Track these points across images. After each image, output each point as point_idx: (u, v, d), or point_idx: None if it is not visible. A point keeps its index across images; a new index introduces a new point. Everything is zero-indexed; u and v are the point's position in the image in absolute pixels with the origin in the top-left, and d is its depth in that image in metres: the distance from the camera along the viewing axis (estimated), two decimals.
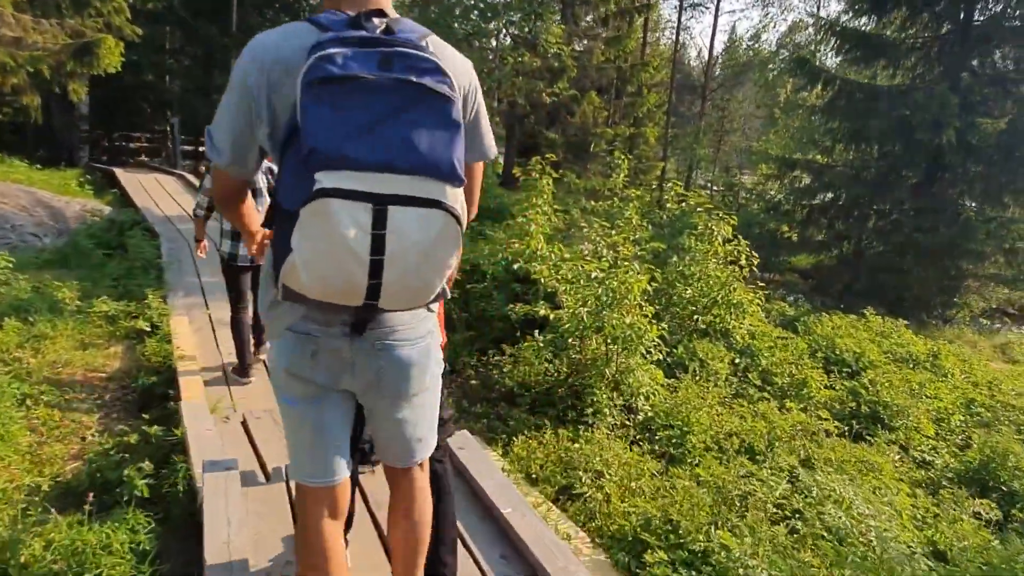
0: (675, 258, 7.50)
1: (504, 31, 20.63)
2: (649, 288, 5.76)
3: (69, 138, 22.35)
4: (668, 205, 9.37)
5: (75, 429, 4.38)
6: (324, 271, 1.26)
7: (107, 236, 9.39)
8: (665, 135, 24.62)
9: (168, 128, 20.98)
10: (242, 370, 4.83)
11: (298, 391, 1.54)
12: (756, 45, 35.70)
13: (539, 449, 4.66)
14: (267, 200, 4.34)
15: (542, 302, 6.10)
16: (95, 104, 20.86)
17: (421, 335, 1.56)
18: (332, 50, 1.23)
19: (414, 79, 1.25)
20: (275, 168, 5.29)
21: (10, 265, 6.72)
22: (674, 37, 29.49)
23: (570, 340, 5.67)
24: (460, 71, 1.47)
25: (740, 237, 7.63)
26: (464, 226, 1.35)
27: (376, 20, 1.36)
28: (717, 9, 28.31)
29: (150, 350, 5.28)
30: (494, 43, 21.40)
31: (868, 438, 5.62)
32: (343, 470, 1.62)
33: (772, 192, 17.68)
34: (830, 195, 15.63)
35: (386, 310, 1.41)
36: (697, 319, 7.17)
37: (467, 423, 5.29)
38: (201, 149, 18.94)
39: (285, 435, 1.68)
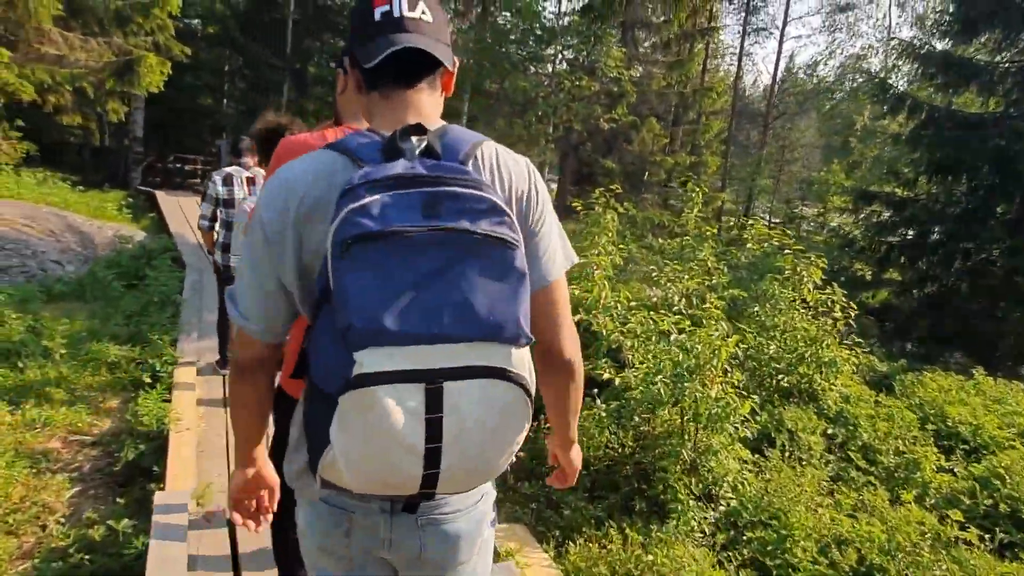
0: (756, 307, 6.48)
1: (561, 55, 19.95)
2: (739, 350, 4.77)
3: (122, 160, 22.56)
4: (748, 245, 8.34)
5: (38, 514, 3.61)
6: (371, 468, 1.01)
7: (133, 264, 8.84)
8: (724, 165, 23.54)
9: (215, 151, 20.82)
10: (223, 363, 5.09)
11: (330, 566, 1.33)
12: (821, 71, 34.33)
13: (602, 560, 3.70)
14: (235, 215, 4.66)
15: (604, 360, 5.16)
16: (150, 126, 20.96)
17: (475, 501, 1.30)
18: (367, 199, 0.97)
19: (467, 226, 0.99)
20: (239, 176, 4.63)
21: (10, 299, 6.10)
22: (735, 63, 28.48)
23: (639, 410, 4.71)
24: (518, 178, 1.20)
25: (834, 284, 6.57)
26: (533, 391, 1.10)
27: (415, 139, 1.08)
28: (782, 35, 27.13)
29: (144, 409, 4.51)
30: (550, 68, 20.76)
31: (1018, 553, 4.47)
32: None
33: (846, 227, 16.40)
34: (912, 231, 14.33)
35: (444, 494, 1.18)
36: (781, 379, 6.12)
37: (512, 506, 4.38)
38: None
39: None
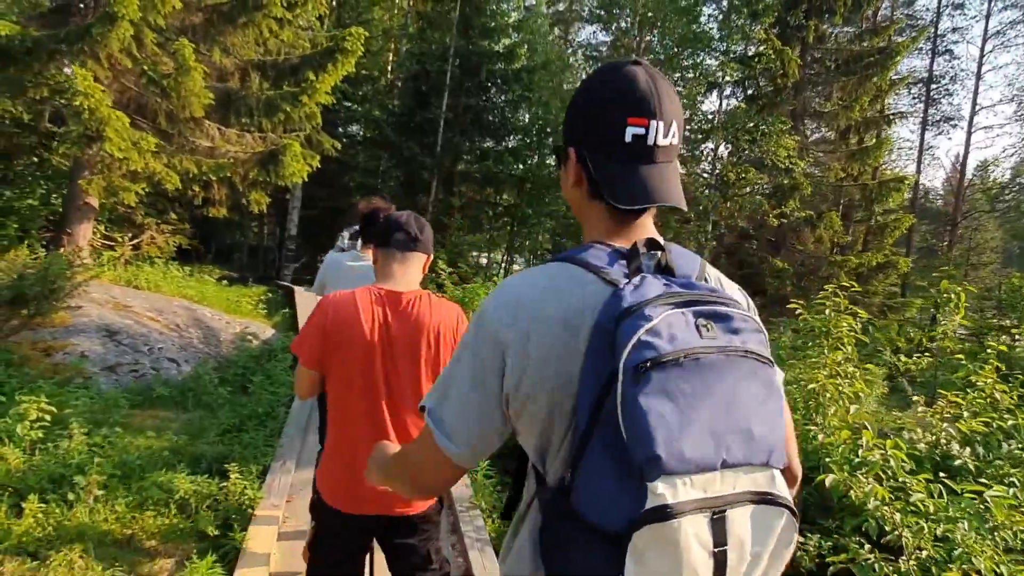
0: None
1: (722, 146, 18.38)
2: None
3: (276, 258, 23.26)
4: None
5: None
6: None
7: (249, 365, 7.85)
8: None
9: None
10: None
11: None
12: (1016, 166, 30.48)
13: None
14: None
15: (855, 539, 3.20)
16: (305, 225, 21.42)
17: None
18: (654, 318, 0.89)
19: (739, 345, 0.92)
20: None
21: (91, 405, 5.04)
22: (915, 157, 25.63)
23: None
24: (738, 296, 1.11)
25: None
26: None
27: (648, 256, 1.05)
28: (970, 125, 24.16)
29: None
30: (707, 164, 19.26)
31: None
32: None
33: None
34: None
35: None
36: None
37: None
38: None
39: None
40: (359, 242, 4.06)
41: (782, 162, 16.30)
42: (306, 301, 11.90)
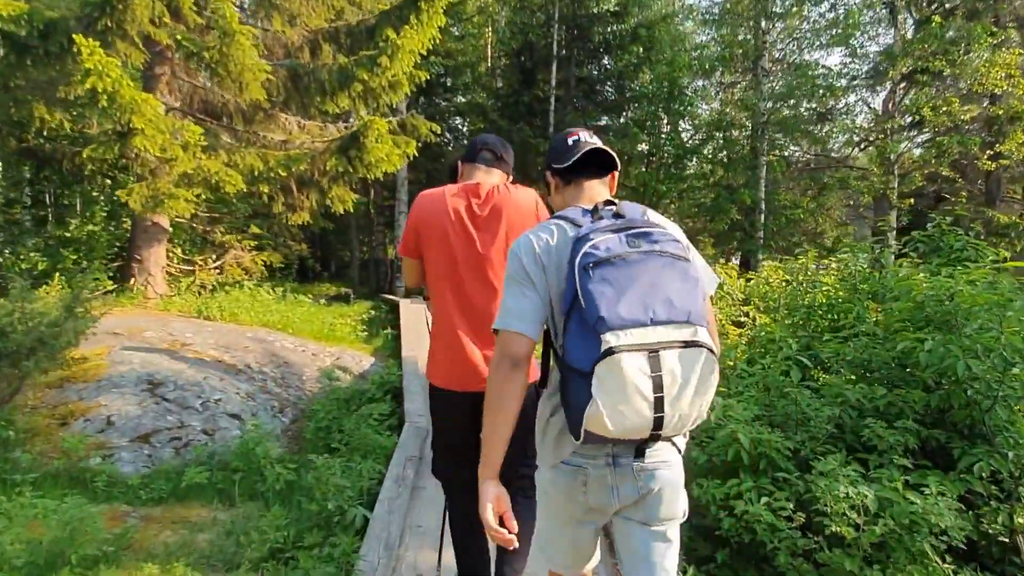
0: None
1: (900, 82, 14.70)
2: None
3: (387, 268, 21.73)
4: None
5: None
6: (622, 412, 1.47)
7: (334, 414, 5.67)
8: None
9: None
10: None
11: (568, 512, 1.77)
12: None
13: None
14: None
15: None
16: None
17: (674, 460, 1.74)
18: (594, 239, 1.56)
19: (658, 249, 1.56)
20: None
21: (94, 500, 2.91)
22: None
23: None
24: (673, 227, 1.74)
25: None
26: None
27: (607, 208, 1.73)
28: None
29: None
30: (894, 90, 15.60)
31: None
32: (590, 557, 1.92)
33: None
34: None
35: (666, 437, 1.61)
36: None
37: None
38: None
39: (542, 527, 1.94)
40: None
41: (997, 85, 12.57)
42: (412, 315, 9.70)
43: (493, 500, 1.62)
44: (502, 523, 1.63)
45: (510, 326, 1.63)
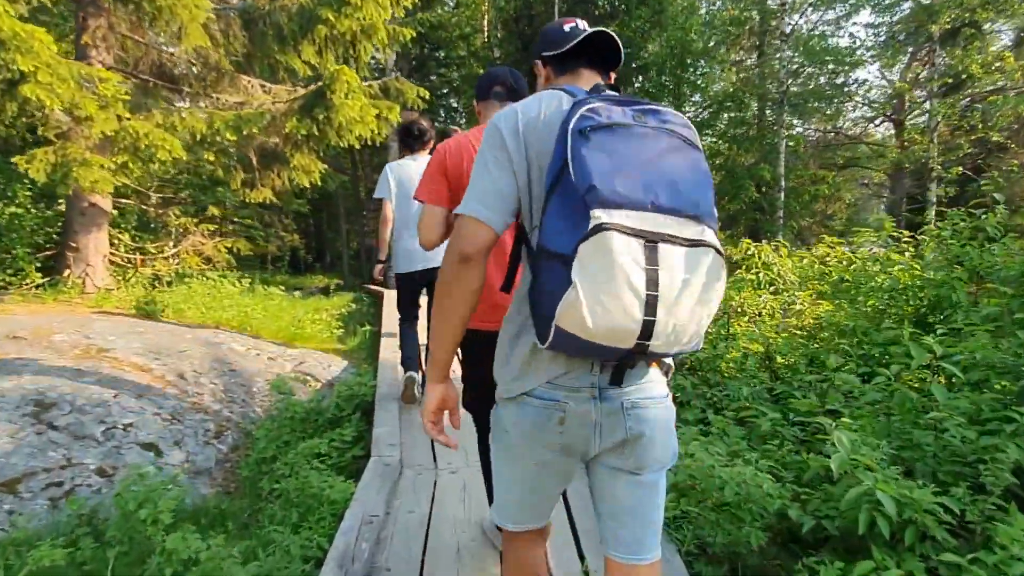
0: None
1: (937, 42, 13.23)
2: None
3: (375, 258, 20.27)
4: None
5: None
6: (606, 305, 1.20)
7: (284, 439, 4.30)
8: None
9: None
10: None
11: (531, 454, 1.48)
12: None
13: None
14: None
15: None
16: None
17: (664, 395, 1.49)
18: (596, 104, 1.31)
19: (669, 128, 1.32)
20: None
21: None
22: None
23: None
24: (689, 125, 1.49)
25: None
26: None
27: (608, 93, 1.45)
28: None
29: None
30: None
31: None
32: (551, 512, 1.65)
33: None
34: None
35: (653, 354, 1.31)
36: None
37: None
38: None
39: (495, 476, 1.62)
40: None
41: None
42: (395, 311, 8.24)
43: (437, 400, 1.53)
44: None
45: (469, 210, 1.40)
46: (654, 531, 1.53)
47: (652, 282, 1.19)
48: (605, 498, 1.53)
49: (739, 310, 5.65)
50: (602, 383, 1.39)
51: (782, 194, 16.46)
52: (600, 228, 1.16)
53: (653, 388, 1.45)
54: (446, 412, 1.55)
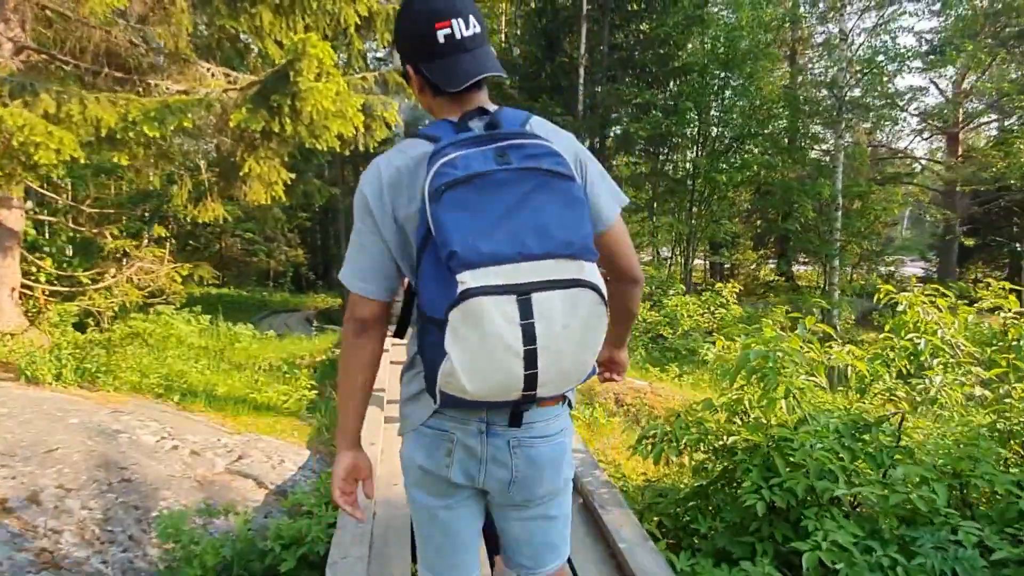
0: None
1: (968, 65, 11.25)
2: None
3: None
4: None
5: None
6: (483, 370, 1.17)
7: None
8: None
9: None
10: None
11: (431, 488, 1.46)
12: None
13: None
14: None
15: None
16: None
17: (556, 431, 1.45)
18: (451, 154, 1.20)
19: (532, 165, 1.22)
20: None
21: None
22: None
23: None
24: (565, 145, 1.38)
25: None
26: (606, 297, 1.23)
27: (478, 119, 1.35)
28: None
29: None
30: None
31: None
32: (473, 570, 1.57)
33: None
34: None
35: (544, 398, 1.29)
36: None
37: None
38: None
39: (414, 531, 1.58)
40: None
41: None
42: (386, 372, 6.27)
43: (346, 468, 1.45)
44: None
45: (349, 285, 1.36)
46: (553, 546, 1.54)
47: (529, 336, 1.14)
48: (503, 523, 1.53)
49: (919, 404, 3.65)
50: (491, 419, 1.36)
51: (839, 212, 14.46)
52: (467, 295, 1.11)
53: (547, 426, 1.41)
54: (360, 481, 1.48)
